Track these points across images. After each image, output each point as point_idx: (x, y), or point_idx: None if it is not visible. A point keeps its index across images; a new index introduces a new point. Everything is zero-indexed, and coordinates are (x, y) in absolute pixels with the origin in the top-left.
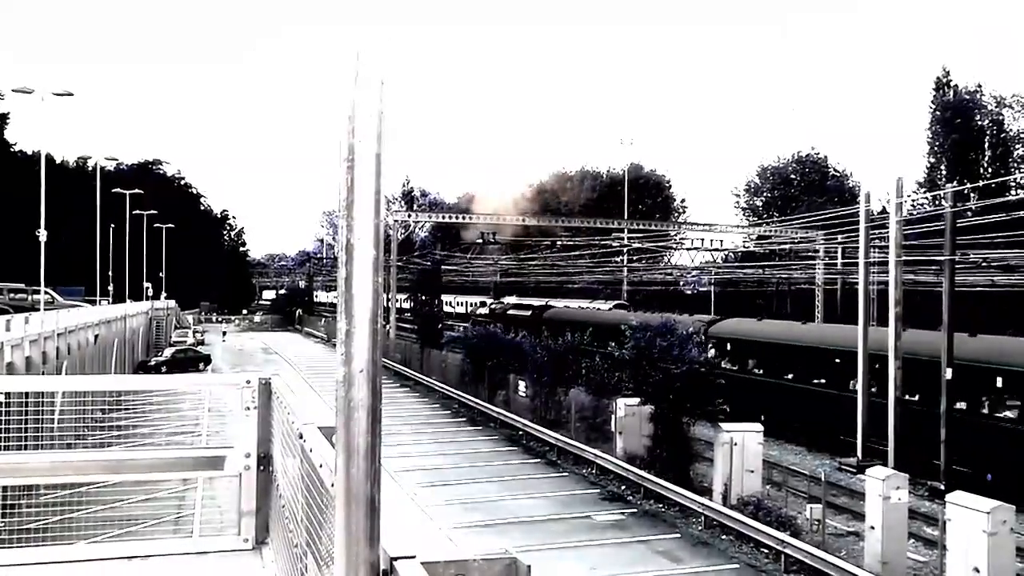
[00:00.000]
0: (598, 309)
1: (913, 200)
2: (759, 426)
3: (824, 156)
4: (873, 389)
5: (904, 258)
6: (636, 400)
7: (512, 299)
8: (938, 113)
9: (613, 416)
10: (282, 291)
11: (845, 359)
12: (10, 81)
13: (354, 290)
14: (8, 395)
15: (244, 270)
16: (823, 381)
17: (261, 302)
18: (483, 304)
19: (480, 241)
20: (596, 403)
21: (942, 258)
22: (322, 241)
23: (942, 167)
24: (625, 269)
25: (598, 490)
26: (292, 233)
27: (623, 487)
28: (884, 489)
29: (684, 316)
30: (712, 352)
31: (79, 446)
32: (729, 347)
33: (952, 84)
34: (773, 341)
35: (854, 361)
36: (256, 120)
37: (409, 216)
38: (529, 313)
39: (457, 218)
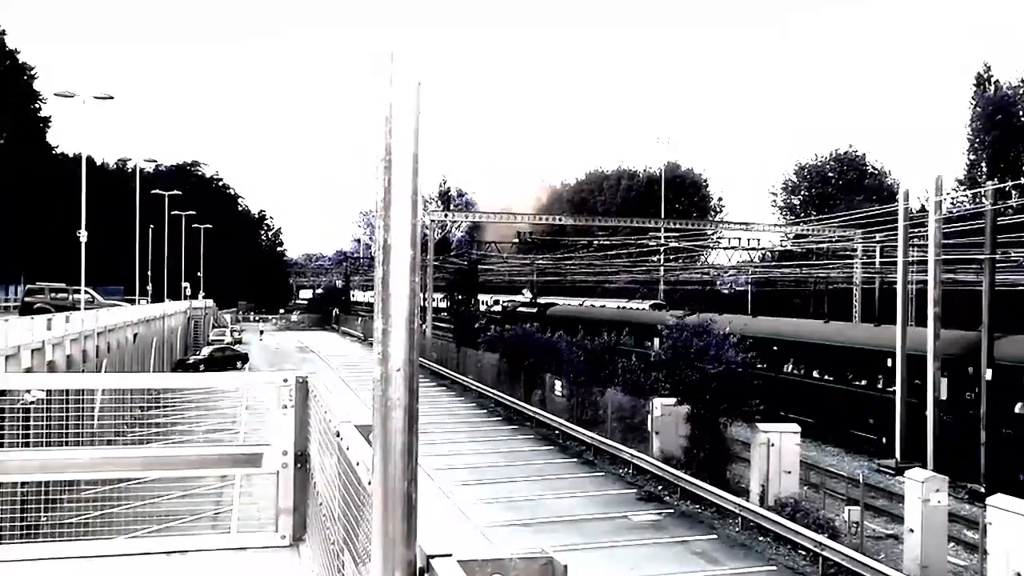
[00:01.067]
0: (602, 307)
1: (953, 198)
2: (796, 427)
3: (862, 154)
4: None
5: (943, 257)
6: (672, 400)
7: (520, 298)
8: (979, 109)
9: (649, 416)
10: (319, 290)
11: (882, 360)
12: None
13: (391, 289)
14: (50, 392)
15: (281, 270)
16: (862, 382)
17: (298, 301)
18: (496, 303)
19: (516, 240)
20: (632, 403)
21: (982, 256)
22: (359, 241)
23: (982, 164)
24: (662, 268)
25: (635, 490)
26: (329, 233)
27: (660, 487)
28: (923, 492)
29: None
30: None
31: (119, 442)
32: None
33: (993, 80)
34: (808, 341)
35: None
36: (293, 121)
37: (446, 216)
38: (535, 311)
39: (493, 217)
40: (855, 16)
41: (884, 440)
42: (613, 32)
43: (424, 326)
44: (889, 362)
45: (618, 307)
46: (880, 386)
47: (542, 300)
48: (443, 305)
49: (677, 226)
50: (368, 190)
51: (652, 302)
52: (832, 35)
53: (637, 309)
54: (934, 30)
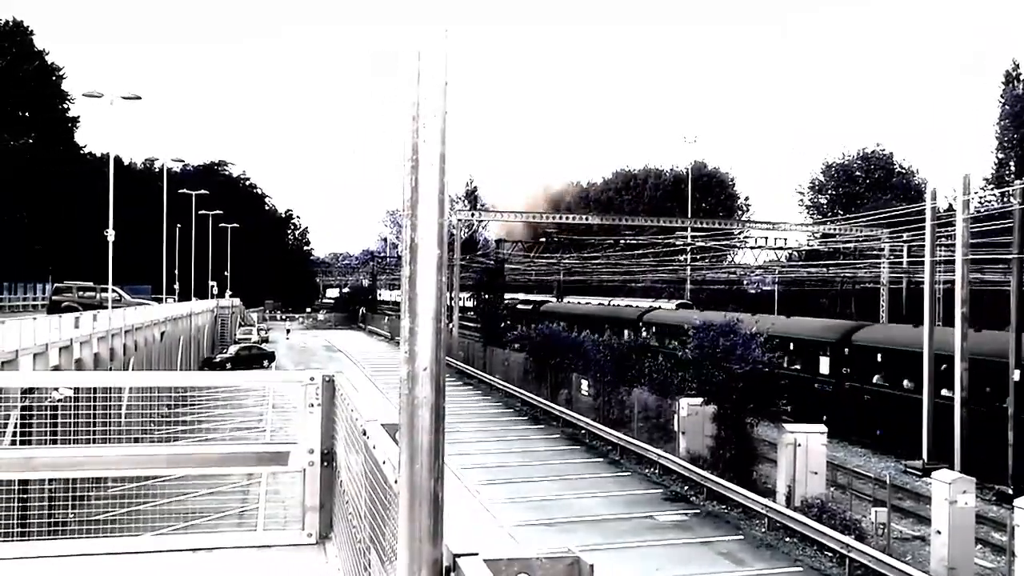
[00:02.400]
0: (589, 303)
1: (981, 197)
2: (823, 427)
3: (889, 152)
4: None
5: (971, 256)
6: (699, 400)
7: (521, 295)
8: (1007, 108)
9: (676, 416)
10: (346, 289)
11: (911, 360)
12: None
13: (418, 288)
14: (77, 390)
15: (308, 269)
16: (888, 383)
17: (325, 300)
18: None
19: (544, 240)
20: (659, 403)
21: (1011, 256)
22: (386, 240)
23: (1011, 163)
24: (688, 268)
25: (661, 490)
26: (356, 232)
27: (686, 487)
28: (951, 493)
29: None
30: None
31: (146, 440)
32: (793, 347)
33: (1022, 78)
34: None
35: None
36: (321, 120)
37: (473, 215)
38: (531, 307)
39: (520, 218)
40: (855, 16)
41: (901, 439)
42: (616, 32)
43: (451, 325)
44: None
45: (608, 304)
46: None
47: (535, 298)
48: (470, 304)
49: (704, 225)
50: (395, 188)
51: (678, 301)
52: (832, 35)
53: (662, 308)
54: (934, 29)
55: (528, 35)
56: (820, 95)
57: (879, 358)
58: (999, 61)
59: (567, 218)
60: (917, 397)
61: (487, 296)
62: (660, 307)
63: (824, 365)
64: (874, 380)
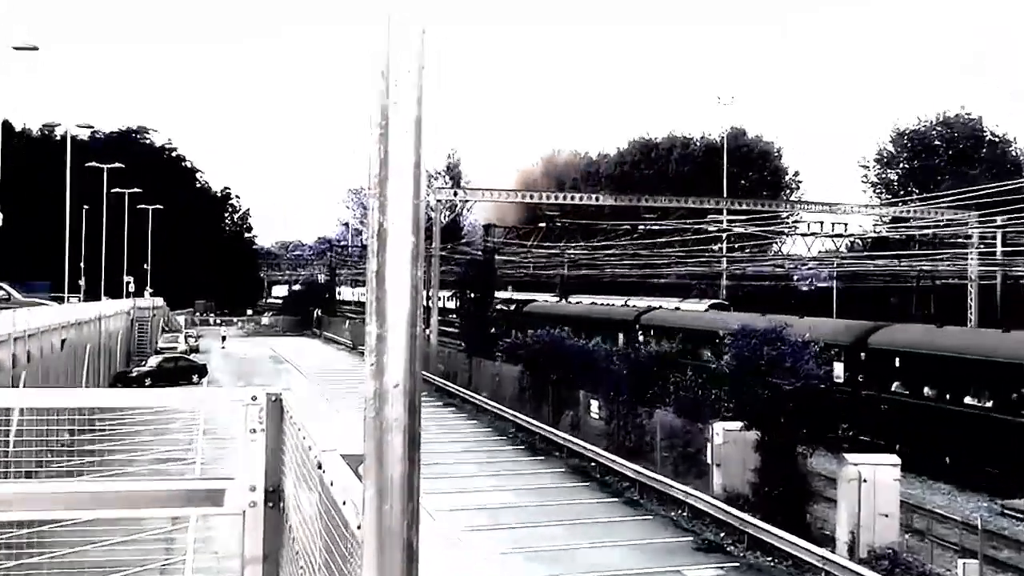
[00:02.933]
0: (581, 303)
1: None
2: (895, 458)
3: (978, 117)
4: None
5: None
6: (738, 424)
7: (505, 295)
8: None
9: (709, 444)
10: (297, 287)
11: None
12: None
13: (387, 286)
14: None
15: (250, 261)
16: (980, 403)
17: (271, 300)
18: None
19: (543, 225)
20: (687, 428)
21: None
22: (347, 226)
23: None
24: (724, 260)
25: (691, 537)
26: (310, 216)
27: (722, 534)
28: None
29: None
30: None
31: (41, 475)
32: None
33: None
34: (914, 351)
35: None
36: (265, 81)
37: (456, 194)
38: (512, 308)
39: (515, 196)
40: (855, 16)
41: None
42: (612, 32)
43: (428, 331)
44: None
45: (601, 303)
46: (1009, 407)
47: (519, 297)
48: (451, 305)
49: (743, 207)
50: (359, 162)
51: (712, 301)
52: (832, 35)
53: (689, 310)
54: (934, 29)
55: None
56: (819, 95)
57: (897, 363)
58: (999, 61)
59: (572, 198)
60: (944, 408)
61: (473, 295)
62: (661, 307)
63: (838, 370)
64: (892, 388)
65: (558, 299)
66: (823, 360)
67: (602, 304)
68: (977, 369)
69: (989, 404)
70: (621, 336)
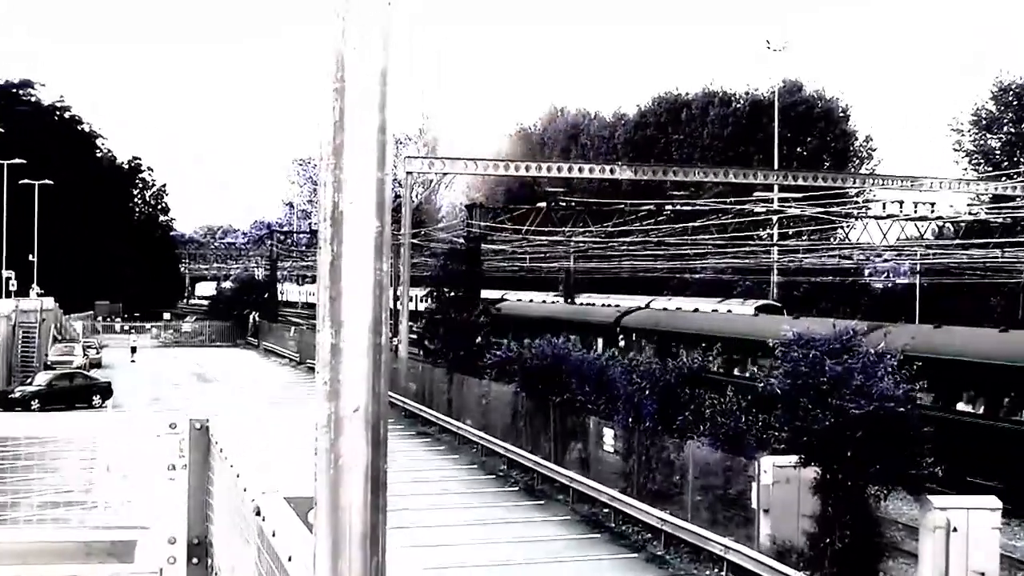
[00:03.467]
0: (552, 302)
1: None
2: (994, 500)
3: None
4: None
5: None
6: (792, 459)
7: (495, 294)
8: None
9: (755, 484)
10: (228, 284)
11: None
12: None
13: (344, 283)
14: None
15: (166, 251)
16: None
17: (194, 302)
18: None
19: (543, 206)
20: (727, 463)
21: None
22: (292, 206)
23: None
24: (775, 249)
25: None
26: (245, 195)
27: None
28: None
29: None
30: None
31: None
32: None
33: None
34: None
35: None
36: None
37: (431, 165)
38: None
39: (506, 169)
40: (855, 16)
41: None
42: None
43: (396, 340)
44: None
45: (583, 303)
46: None
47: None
48: (427, 307)
49: (799, 182)
50: (309, 127)
51: (760, 302)
52: (832, 35)
53: (730, 312)
54: (934, 29)
55: None
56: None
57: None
58: (999, 61)
59: (580, 171)
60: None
61: (453, 294)
62: (645, 307)
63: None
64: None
65: (564, 300)
66: (903, 377)
67: (584, 304)
68: None
69: None
70: (600, 341)
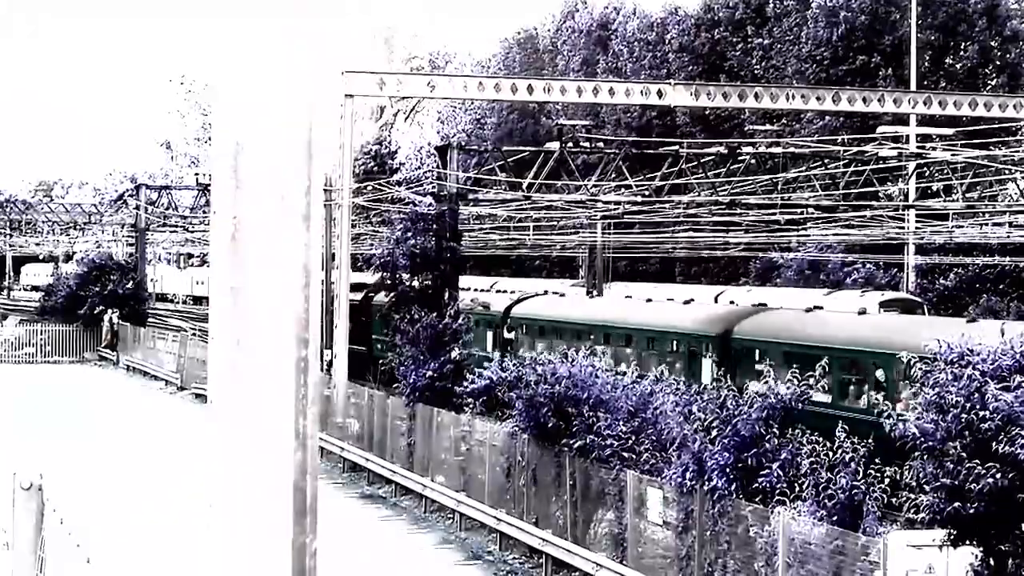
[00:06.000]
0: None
1: None
2: None
3: None
4: None
5: None
6: (936, 536)
7: (481, 281)
8: None
9: (879, 574)
10: (72, 266)
11: None
12: None
13: (251, 266)
14: None
15: None
16: None
17: (19, 294)
18: None
19: (556, 149)
20: (836, 541)
21: None
22: (169, 148)
23: None
24: (910, 215)
25: None
26: (98, 135)
27: None
28: None
29: None
30: None
31: None
32: None
33: None
34: None
35: None
36: None
37: (383, 85)
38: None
39: (499, 91)
40: None
41: None
42: None
43: (331, 354)
44: None
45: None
46: None
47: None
48: (376, 302)
49: (951, 110)
50: (192, 33)
51: (888, 295)
52: None
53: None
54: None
55: None
56: None
57: None
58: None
59: (611, 93)
60: None
61: (416, 282)
62: (535, 295)
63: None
64: None
65: (587, 293)
66: None
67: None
68: None
69: None
70: (707, 365)
